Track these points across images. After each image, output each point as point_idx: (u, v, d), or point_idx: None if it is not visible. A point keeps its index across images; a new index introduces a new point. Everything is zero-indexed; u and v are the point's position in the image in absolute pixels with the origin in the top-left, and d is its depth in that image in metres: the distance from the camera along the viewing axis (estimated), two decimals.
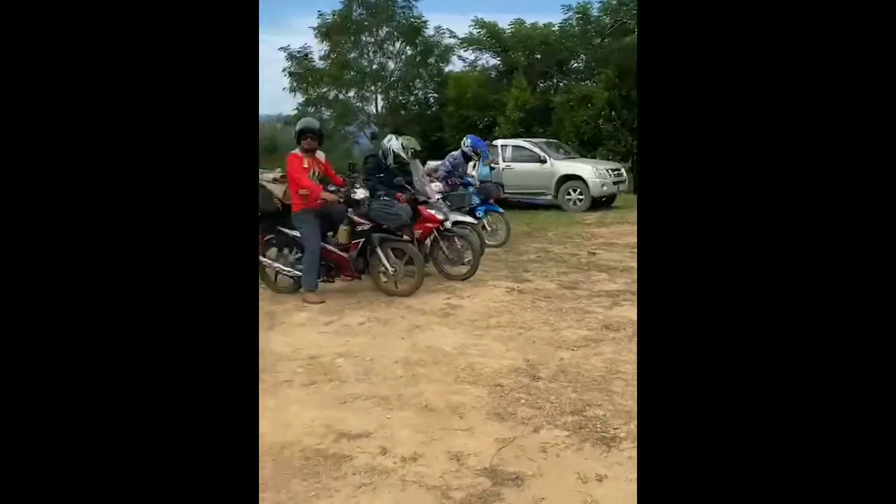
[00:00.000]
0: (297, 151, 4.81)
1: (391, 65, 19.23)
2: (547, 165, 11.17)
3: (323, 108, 19.26)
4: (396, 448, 2.49)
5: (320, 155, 4.97)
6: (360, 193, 4.70)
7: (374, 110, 19.33)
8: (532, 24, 17.20)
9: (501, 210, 7.34)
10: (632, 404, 2.81)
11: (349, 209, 4.78)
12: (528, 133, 14.50)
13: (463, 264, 5.49)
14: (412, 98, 19.92)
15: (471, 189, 6.79)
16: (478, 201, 6.77)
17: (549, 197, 11.09)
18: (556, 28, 17.07)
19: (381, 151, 5.57)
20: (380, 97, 19.46)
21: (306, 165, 4.75)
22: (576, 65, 17.59)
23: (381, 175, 5.27)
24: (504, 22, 17.46)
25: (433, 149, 14.09)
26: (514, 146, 11.68)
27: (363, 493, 2.19)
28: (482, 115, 16.55)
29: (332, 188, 4.96)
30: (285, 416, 2.80)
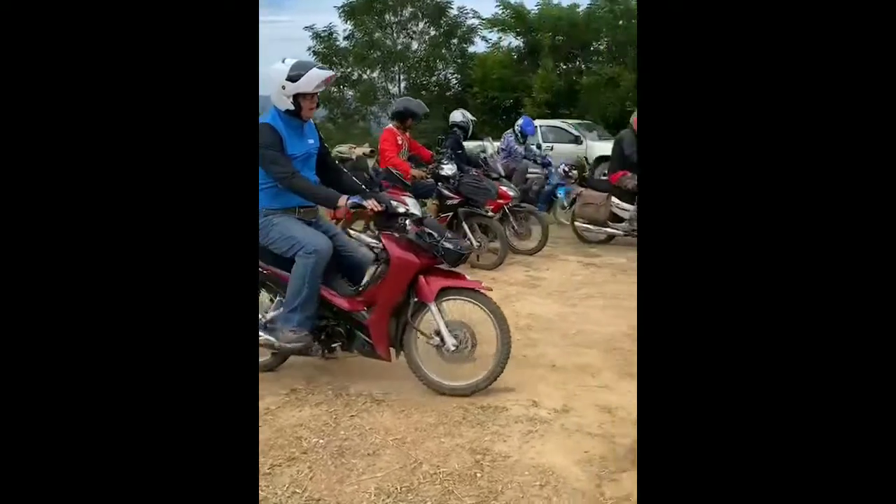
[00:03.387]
0: (391, 127, 4.97)
1: (414, 45, 19.24)
2: (582, 146, 11.31)
3: (345, 87, 19.31)
4: (544, 402, 2.69)
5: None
6: (449, 169, 4.87)
7: (398, 91, 19.37)
8: (557, 4, 17.19)
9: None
10: None
11: (438, 184, 4.96)
12: (554, 115, 14.57)
13: (530, 239, 5.69)
14: (433, 79, 19.93)
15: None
16: (556, 181, 6.99)
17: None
18: (581, 9, 17.05)
19: (456, 128, 5.72)
20: (402, 78, 19.50)
21: (399, 142, 4.91)
22: (601, 46, 17.56)
23: (461, 151, 5.43)
24: (530, 3, 17.45)
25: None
26: (549, 126, 11.81)
27: (533, 437, 2.39)
28: (507, 96, 16.59)
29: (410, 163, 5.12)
30: None
